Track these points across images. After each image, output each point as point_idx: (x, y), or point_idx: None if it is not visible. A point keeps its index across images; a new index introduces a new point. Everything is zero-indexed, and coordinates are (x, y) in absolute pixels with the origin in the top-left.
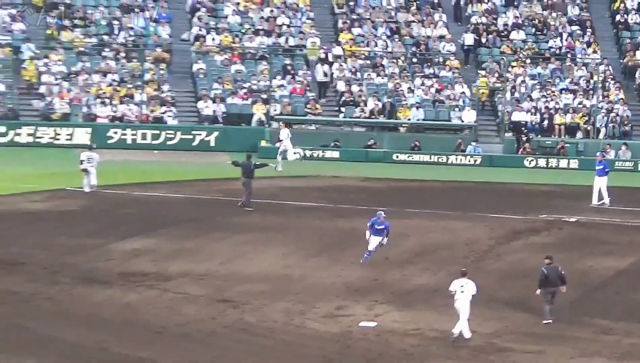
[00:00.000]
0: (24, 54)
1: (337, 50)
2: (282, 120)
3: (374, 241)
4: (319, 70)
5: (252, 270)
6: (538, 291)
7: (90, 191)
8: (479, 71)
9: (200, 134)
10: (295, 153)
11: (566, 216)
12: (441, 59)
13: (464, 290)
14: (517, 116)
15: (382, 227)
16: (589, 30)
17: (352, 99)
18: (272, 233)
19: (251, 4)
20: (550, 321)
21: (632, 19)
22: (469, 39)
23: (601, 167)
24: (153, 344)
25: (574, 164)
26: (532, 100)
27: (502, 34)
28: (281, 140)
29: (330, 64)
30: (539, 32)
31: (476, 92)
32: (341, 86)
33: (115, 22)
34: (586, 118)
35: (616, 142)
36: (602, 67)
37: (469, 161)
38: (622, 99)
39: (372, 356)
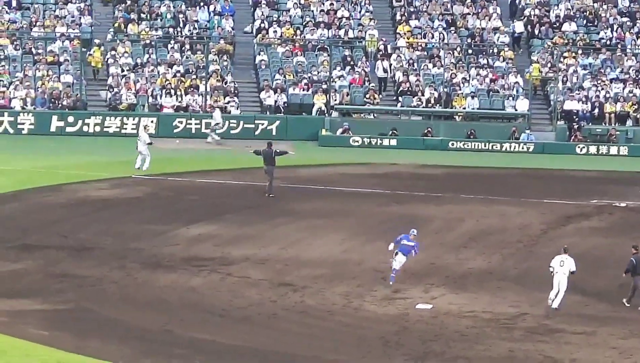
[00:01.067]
0: (91, 45)
1: (396, 42)
2: (217, 105)
3: (399, 259)
4: (379, 67)
5: (311, 255)
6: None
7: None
8: (531, 57)
9: (262, 123)
10: (214, 139)
11: (616, 201)
12: (495, 50)
13: (563, 265)
14: (568, 105)
15: (412, 244)
16: (639, 21)
17: (409, 88)
18: (331, 219)
19: None
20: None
21: None
22: (519, 26)
23: None
24: (215, 327)
25: (624, 150)
26: (583, 89)
27: (554, 25)
28: (217, 123)
29: (389, 56)
30: (590, 24)
31: (529, 78)
32: (399, 76)
33: (181, 15)
34: (636, 106)
35: None
36: None
37: (522, 148)
38: None
39: (428, 337)
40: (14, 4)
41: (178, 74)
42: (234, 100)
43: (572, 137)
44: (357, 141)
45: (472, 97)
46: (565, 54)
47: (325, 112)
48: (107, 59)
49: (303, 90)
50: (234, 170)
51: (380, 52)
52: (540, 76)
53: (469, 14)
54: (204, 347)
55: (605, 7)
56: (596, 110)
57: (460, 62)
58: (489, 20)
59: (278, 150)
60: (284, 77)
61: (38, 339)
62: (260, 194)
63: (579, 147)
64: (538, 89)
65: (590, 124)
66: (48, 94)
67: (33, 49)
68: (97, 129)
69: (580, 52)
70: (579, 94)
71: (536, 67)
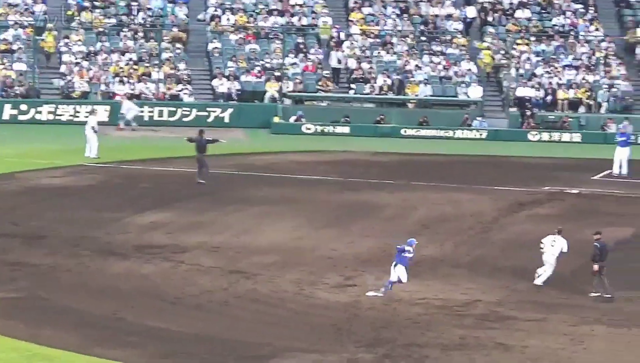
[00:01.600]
0: (44, 32)
1: (349, 30)
2: (127, 94)
3: (398, 270)
4: (332, 57)
5: (264, 242)
6: (596, 266)
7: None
8: (483, 42)
9: (215, 111)
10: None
11: (568, 188)
12: (448, 37)
13: (554, 246)
14: (521, 92)
15: (411, 255)
16: (592, 8)
17: (362, 76)
18: (284, 206)
19: None
20: (599, 294)
21: None
22: (470, 12)
23: (623, 138)
24: (168, 314)
25: (577, 137)
26: (536, 76)
27: (508, 12)
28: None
29: (342, 43)
30: (543, 11)
31: (481, 65)
32: (352, 64)
33: (134, 2)
34: (588, 93)
35: (617, 116)
36: (604, 44)
37: (475, 135)
38: (623, 74)
39: (380, 325)
40: None
41: (131, 62)
42: (187, 88)
43: (525, 124)
44: (310, 128)
45: (425, 84)
46: (518, 41)
47: (278, 99)
48: (60, 46)
49: (256, 77)
50: (186, 158)
51: (334, 40)
52: (492, 63)
53: (422, 0)
54: (156, 335)
55: None
56: (549, 97)
57: (413, 49)
58: (442, 7)
59: (210, 138)
60: (237, 64)
61: None
62: (212, 182)
63: (531, 134)
64: (491, 75)
65: (543, 111)
66: (1, 82)
67: None
68: (50, 117)
69: (533, 39)
70: (531, 80)
71: (487, 53)
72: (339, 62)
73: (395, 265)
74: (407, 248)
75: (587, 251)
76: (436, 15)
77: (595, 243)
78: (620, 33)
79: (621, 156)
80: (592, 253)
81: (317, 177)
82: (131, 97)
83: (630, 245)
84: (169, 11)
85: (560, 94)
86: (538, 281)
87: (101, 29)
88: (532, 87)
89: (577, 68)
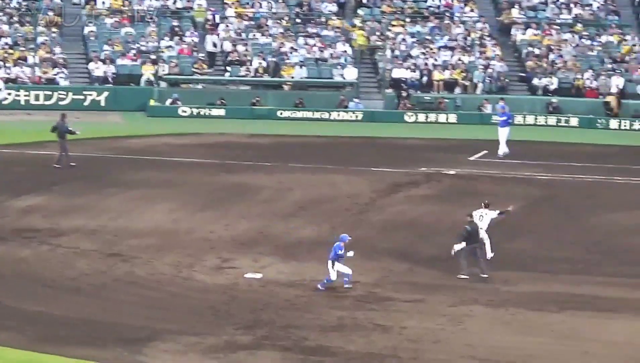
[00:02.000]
0: None
1: (224, 12)
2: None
3: (338, 268)
4: (208, 41)
5: (141, 225)
6: (458, 246)
7: None
8: (355, 25)
9: (91, 94)
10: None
11: (445, 169)
12: (323, 19)
13: (482, 219)
14: (397, 73)
15: (342, 252)
16: None
17: (237, 58)
18: (160, 189)
19: None
20: (468, 277)
21: None
22: None
23: (504, 118)
24: (46, 297)
25: (453, 118)
26: (411, 57)
27: None
28: None
29: (217, 26)
30: None
31: (354, 45)
32: (227, 46)
33: None
34: (464, 74)
35: (493, 97)
36: (479, 25)
37: (351, 117)
38: (498, 55)
39: (258, 307)
40: None
41: (6, 46)
42: (63, 72)
43: (401, 105)
44: (186, 111)
45: (301, 66)
46: (394, 22)
47: (154, 82)
48: None
49: (131, 61)
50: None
51: (209, 22)
52: (366, 44)
53: None
54: (35, 318)
55: None
56: (425, 78)
57: (289, 32)
58: None
59: (70, 129)
60: (113, 48)
61: None
62: (89, 166)
63: (407, 115)
64: (366, 56)
65: (418, 92)
66: None
67: None
68: None
69: (408, 20)
70: (407, 62)
71: (360, 34)
72: (215, 45)
73: (333, 264)
74: (341, 244)
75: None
76: None
77: (466, 226)
78: (495, 14)
79: (503, 135)
80: (460, 235)
81: (193, 160)
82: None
83: (508, 226)
84: None
85: (436, 75)
86: (489, 255)
87: None
88: (408, 68)
89: (452, 49)
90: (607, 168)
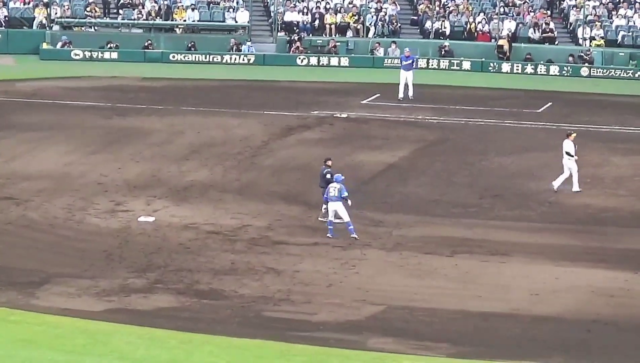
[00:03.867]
0: None
1: None
2: None
3: (331, 208)
4: None
5: (34, 168)
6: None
7: None
8: None
9: None
10: None
11: (337, 112)
12: None
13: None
14: (289, 16)
15: (334, 193)
16: None
17: (130, 1)
18: (53, 132)
19: None
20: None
21: None
22: None
23: (409, 62)
24: None
25: (345, 61)
26: (303, 0)
27: None
28: None
29: None
30: None
31: None
32: None
33: None
34: (356, 17)
35: (385, 40)
36: None
37: (243, 60)
38: None
39: (151, 250)
40: None
41: None
42: None
43: (293, 49)
44: (79, 55)
45: (193, 10)
46: None
47: (47, 25)
48: None
49: (24, 4)
50: None
51: None
52: None
53: None
54: None
55: None
56: (317, 22)
57: None
58: None
59: None
60: None
61: None
62: None
63: (299, 58)
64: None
65: (311, 35)
66: None
67: None
68: None
69: None
70: (299, 5)
71: None
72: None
73: (327, 203)
74: (332, 185)
75: (357, 175)
76: None
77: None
78: None
79: (407, 78)
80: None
81: (86, 103)
82: None
83: (400, 169)
84: None
85: (328, 18)
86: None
87: None
88: (300, 11)
89: None
90: (499, 112)
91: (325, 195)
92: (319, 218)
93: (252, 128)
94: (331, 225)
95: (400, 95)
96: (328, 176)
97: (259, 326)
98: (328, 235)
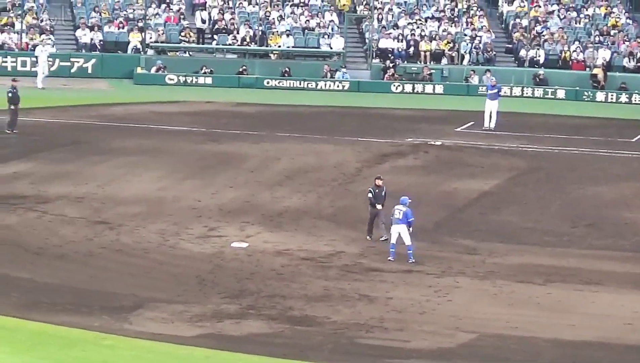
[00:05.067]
0: None
1: None
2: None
3: (395, 230)
4: (197, 17)
5: (128, 193)
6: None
7: None
8: None
9: (78, 62)
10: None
11: (431, 139)
12: None
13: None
14: (384, 43)
15: (399, 216)
16: None
17: (224, 26)
18: (147, 156)
19: None
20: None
21: None
22: None
23: (495, 91)
24: (32, 265)
25: (439, 89)
26: (398, 27)
27: None
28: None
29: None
30: None
31: (337, 4)
32: (214, 14)
33: None
34: (451, 45)
35: (480, 68)
36: None
37: (338, 87)
38: (485, 26)
39: (244, 276)
40: None
41: None
42: (50, 38)
43: (387, 76)
44: (173, 79)
45: (287, 35)
46: None
47: (141, 50)
48: None
49: (118, 28)
50: (50, 108)
51: (200, 7)
52: (349, 3)
53: None
54: (20, 285)
55: None
56: (411, 49)
57: (276, 0)
58: None
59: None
60: (100, 15)
61: None
62: (76, 133)
63: (394, 85)
64: (353, 26)
65: (405, 62)
66: None
67: None
68: None
69: None
70: (394, 32)
71: None
72: (204, 22)
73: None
74: (397, 207)
75: (450, 203)
76: None
77: (370, 189)
78: None
79: (491, 108)
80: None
81: (180, 128)
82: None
83: (493, 197)
84: None
85: (423, 46)
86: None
87: None
88: (395, 38)
89: (439, 20)
90: (593, 140)
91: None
92: (380, 239)
93: (346, 155)
94: (393, 248)
95: (486, 124)
96: (370, 195)
97: (351, 353)
98: (390, 258)
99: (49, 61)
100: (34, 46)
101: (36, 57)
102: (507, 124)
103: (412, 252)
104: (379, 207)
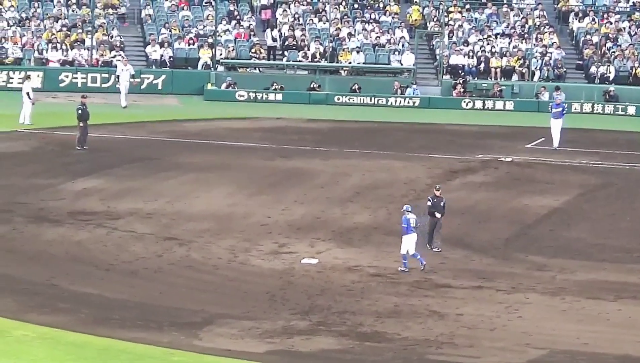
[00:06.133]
0: None
1: None
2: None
3: (412, 240)
4: (268, 35)
5: (198, 209)
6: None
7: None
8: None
9: (148, 78)
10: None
11: (502, 156)
12: (381, 5)
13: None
14: (454, 60)
15: (405, 225)
16: None
17: (295, 43)
18: (217, 172)
19: None
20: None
21: None
22: None
23: (559, 109)
24: (101, 281)
25: (510, 105)
26: (469, 44)
27: None
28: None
29: (276, 21)
30: None
31: (408, 19)
32: (285, 31)
33: None
34: (521, 61)
35: (550, 84)
36: (536, 12)
37: (408, 103)
38: (555, 42)
39: (314, 292)
40: None
41: (64, 28)
42: (120, 55)
43: (457, 92)
44: (243, 95)
45: (358, 52)
46: (451, 9)
47: (211, 66)
48: None
49: (189, 44)
50: (120, 124)
51: (265, 7)
52: (420, 18)
53: None
54: (90, 301)
55: None
56: (482, 65)
57: (346, 17)
58: None
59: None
60: (170, 31)
61: None
62: (146, 149)
63: (464, 101)
64: (424, 43)
65: (476, 79)
66: None
67: None
68: None
69: (466, 6)
70: (464, 48)
71: (415, 9)
72: (274, 40)
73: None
74: (410, 216)
75: (521, 219)
76: None
77: (429, 197)
78: (553, 1)
79: (556, 127)
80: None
81: (250, 144)
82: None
83: (564, 213)
84: None
85: (493, 62)
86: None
87: None
88: (465, 55)
89: (510, 36)
90: None
91: (406, 226)
92: (433, 250)
93: (416, 171)
94: (406, 259)
95: (555, 144)
96: (428, 203)
97: None
98: (404, 269)
99: (131, 81)
100: (105, 63)
101: (118, 76)
102: (577, 140)
103: (422, 259)
104: (437, 216)
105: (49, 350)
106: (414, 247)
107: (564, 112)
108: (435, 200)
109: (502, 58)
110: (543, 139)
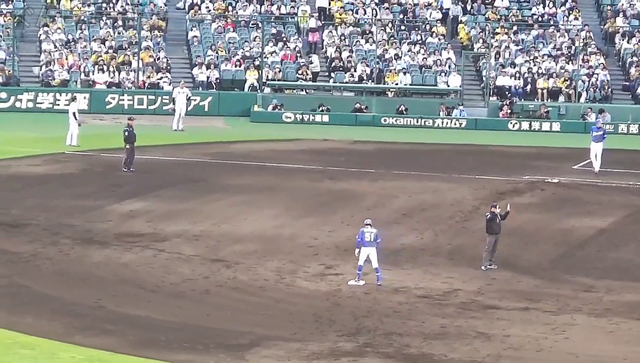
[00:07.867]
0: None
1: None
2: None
3: (365, 252)
4: (315, 61)
5: (244, 231)
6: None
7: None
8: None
9: (195, 100)
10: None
11: (548, 177)
12: (428, 26)
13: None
14: (501, 81)
15: (374, 231)
16: None
17: (341, 64)
18: (264, 194)
19: None
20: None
21: None
22: (446, 2)
23: (600, 133)
24: (148, 302)
25: (556, 126)
26: (515, 65)
27: (487, 1)
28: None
29: (322, 28)
30: (523, 0)
31: (456, 37)
32: (331, 52)
33: None
34: (568, 82)
35: (597, 105)
36: (583, 33)
37: (455, 124)
38: (602, 64)
39: (361, 313)
40: None
41: (111, 50)
42: (167, 76)
43: (504, 113)
44: (290, 117)
45: (405, 73)
46: (498, 30)
47: (258, 88)
48: (40, 35)
49: (235, 66)
50: (166, 146)
51: (312, 29)
52: (467, 36)
53: None
54: (137, 323)
55: None
56: (528, 86)
57: (393, 38)
58: None
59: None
60: (216, 53)
61: None
62: (193, 170)
63: (511, 123)
64: (470, 64)
65: (522, 100)
66: None
67: None
68: (30, 105)
69: (512, 28)
70: (511, 69)
71: (462, 27)
72: (321, 64)
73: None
74: (367, 230)
75: (567, 240)
76: (415, 4)
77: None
78: (600, 22)
79: (596, 151)
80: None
81: (297, 166)
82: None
83: (611, 234)
84: None
85: (540, 83)
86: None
87: (80, 17)
88: (512, 76)
89: (556, 57)
90: None
91: (359, 238)
92: (486, 267)
93: (463, 192)
94: (360, 270)
95: (596, 168)
96: (487, 215)
97: None
98: (359, 282)
99: (187, 102)
100: (151, 85)
101: (174, 98)
102: (623, 161)
103: (380, 275)
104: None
105: None
106: (375, 260)
107: (605, 135)
108: (491, 216)
109: (548, 79)
110: (590, 160)
